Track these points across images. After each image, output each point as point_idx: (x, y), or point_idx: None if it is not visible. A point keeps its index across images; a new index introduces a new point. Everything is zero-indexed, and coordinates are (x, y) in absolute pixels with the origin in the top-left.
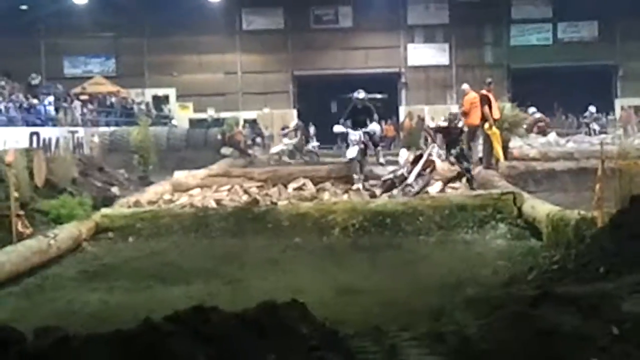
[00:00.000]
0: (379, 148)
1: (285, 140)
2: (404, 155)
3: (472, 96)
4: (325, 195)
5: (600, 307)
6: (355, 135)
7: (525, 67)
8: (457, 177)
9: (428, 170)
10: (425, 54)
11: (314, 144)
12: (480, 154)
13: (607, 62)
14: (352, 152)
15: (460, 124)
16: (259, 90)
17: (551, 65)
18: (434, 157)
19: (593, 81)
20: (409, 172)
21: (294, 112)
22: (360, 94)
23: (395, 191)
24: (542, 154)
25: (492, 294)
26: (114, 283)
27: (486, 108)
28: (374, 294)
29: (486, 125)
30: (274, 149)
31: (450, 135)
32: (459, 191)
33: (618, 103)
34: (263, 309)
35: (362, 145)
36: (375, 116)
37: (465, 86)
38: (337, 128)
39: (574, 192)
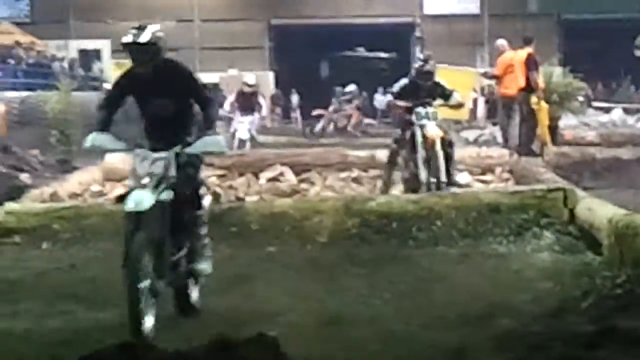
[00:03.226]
0: None
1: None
2: None
3: (509, 57)
4: (311, 190)
5: None
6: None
7: (583, 19)
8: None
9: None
10: None
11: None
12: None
13: None
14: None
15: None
16: (222, 44)
17: (617, 17)
18: None
19: None
20: None
21: (270, 75)
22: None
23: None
24: (604, 137)
25: (532, 329)
26: (20, 305)
27: (534, 74)
28: (372, 326)
29: (533, 99)
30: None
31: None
32: (490, 186)
33: None
34: (215, 347)
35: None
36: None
37: (500, 42)
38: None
39: None
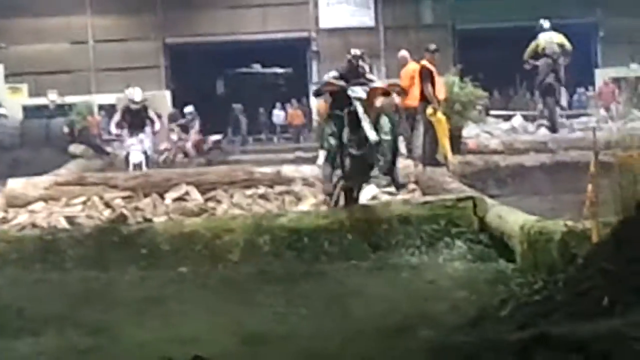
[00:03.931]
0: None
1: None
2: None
3: (412, 68)
4: (218, 208)
5: (612, 353)
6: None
7: (476, 28)
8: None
9: None
10: (343, 13)
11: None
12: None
13: (583, 20)
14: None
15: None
16: (118, 65)
17: (510, 26)
18: None
19: None
20: None
21: (167, 94)
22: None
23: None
24: (506, 144)
25: (459, 339)
26: None
27: (429, 86)
28: (292, 343)
29: (429, 110)
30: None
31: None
32: (399, 197)
33: (599, 75)
34: None
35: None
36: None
37: (403, 53)
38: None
39: (550, 196)
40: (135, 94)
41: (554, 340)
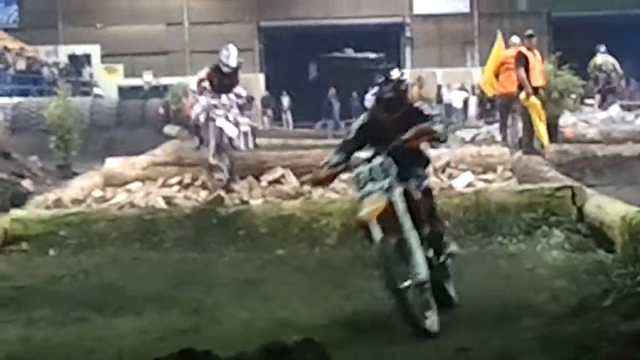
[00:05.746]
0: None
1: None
2: None
3: (502, 54)
4: (316, 192)
5: None
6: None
7: (573, 16)
8: None
9: None
10: None
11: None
12: (520, 134)
13: None
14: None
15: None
16: (213, 47)
17: (608, 14)
18: None
19: None
20: None
21: (261, 77)
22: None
23: None
24: (604, 134)
25: (567, 329)
26: (34, 313)
27: (522, 71)
28: (394, 328)
29: (522, 95)
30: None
31: None
32: (495, 185)
33: None
34: (269, 352)
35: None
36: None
37: (515, 40)
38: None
39: None
40: (231, 57)
41: None
